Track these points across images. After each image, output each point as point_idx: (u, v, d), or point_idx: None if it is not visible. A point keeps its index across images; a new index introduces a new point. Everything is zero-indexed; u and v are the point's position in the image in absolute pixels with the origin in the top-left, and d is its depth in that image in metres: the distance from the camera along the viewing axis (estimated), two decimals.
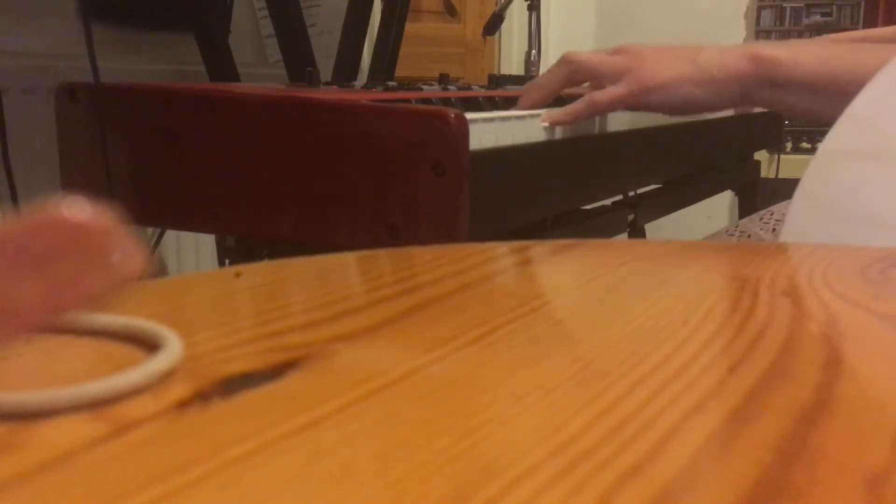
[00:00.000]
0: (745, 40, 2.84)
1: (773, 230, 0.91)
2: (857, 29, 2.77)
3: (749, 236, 0.92)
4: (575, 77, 0.84)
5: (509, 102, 0.88)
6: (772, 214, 0.95)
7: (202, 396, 0.23)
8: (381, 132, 0.66)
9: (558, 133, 0.81)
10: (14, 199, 0.99)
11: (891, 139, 0.57)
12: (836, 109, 0.75)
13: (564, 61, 0.83)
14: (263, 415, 0.22)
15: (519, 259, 0.44)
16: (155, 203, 0.79)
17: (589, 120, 0.84)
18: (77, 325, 0.27)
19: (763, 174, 1.68)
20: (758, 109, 1.44)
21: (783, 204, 0.96)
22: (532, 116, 0.77)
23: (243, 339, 0.28)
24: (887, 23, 2.63)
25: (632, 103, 0.81)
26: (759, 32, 2.86)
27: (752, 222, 0.96)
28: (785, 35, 2.85)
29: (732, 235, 0.95)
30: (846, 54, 0.74)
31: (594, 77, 0.82)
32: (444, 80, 1.04)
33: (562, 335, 0.30)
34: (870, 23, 2.74)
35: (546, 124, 0.80)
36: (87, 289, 0.16)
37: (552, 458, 0.19)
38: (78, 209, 0.16)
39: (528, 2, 1.48)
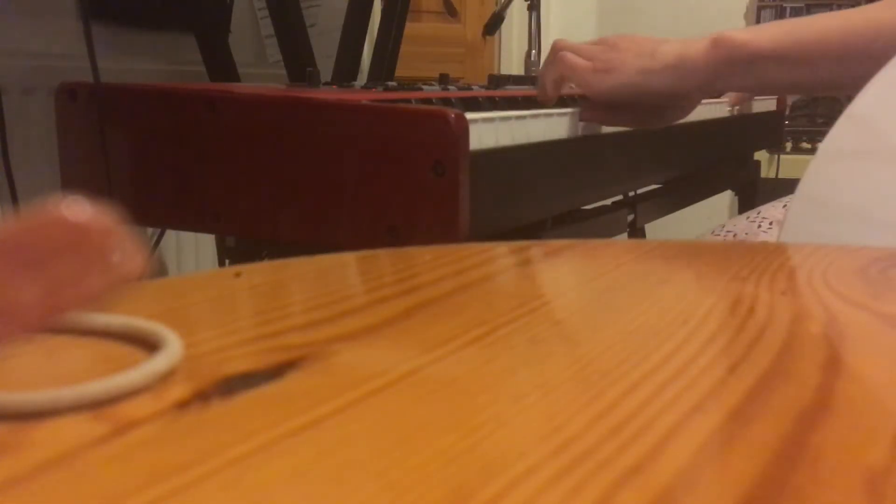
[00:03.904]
0: None
1: (759, 226, 0.92)
2: None
3: (735, 235, 0.93)
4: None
5: (509, 102, 0.88)
6: (758, 213, 0.95)
7: (202, 396, 0.23)
8: (381, 132, 0.66)
9: (558, 133, 0.81)
10: (14, 199, 0.99)
11: (891, 139, 0.57)
12: (805, 78, 0.76)
13: (554, 52, 0.86)
14: (263, 415, 0.22)
15: (519, 259, 0.44)
16: (155, 203, 0.78)
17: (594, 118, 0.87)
18: (77, 325, 0.27)
19: (763, 174, 1.68)
20: (757, 109, 1.44)
21: (769, 205, 0.97)
22: (532, 116, 0.77)
23: (243, 339, 0.28)
24: None
25: (584, 85, 0.83)
26: None
27: (739, 221, 0.96)
28: None
29: (718, 235, 0.95)
30: (808, 22, 0.75)
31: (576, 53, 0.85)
32: (444, 80, 1.04)
33: (562, 335, 0.30)
34: None
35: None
36: (87, 289, 0.16)
37: (552, 458, 0.19)
38: (78, 209, 0.16)
39: (528, 2, 1.48)
